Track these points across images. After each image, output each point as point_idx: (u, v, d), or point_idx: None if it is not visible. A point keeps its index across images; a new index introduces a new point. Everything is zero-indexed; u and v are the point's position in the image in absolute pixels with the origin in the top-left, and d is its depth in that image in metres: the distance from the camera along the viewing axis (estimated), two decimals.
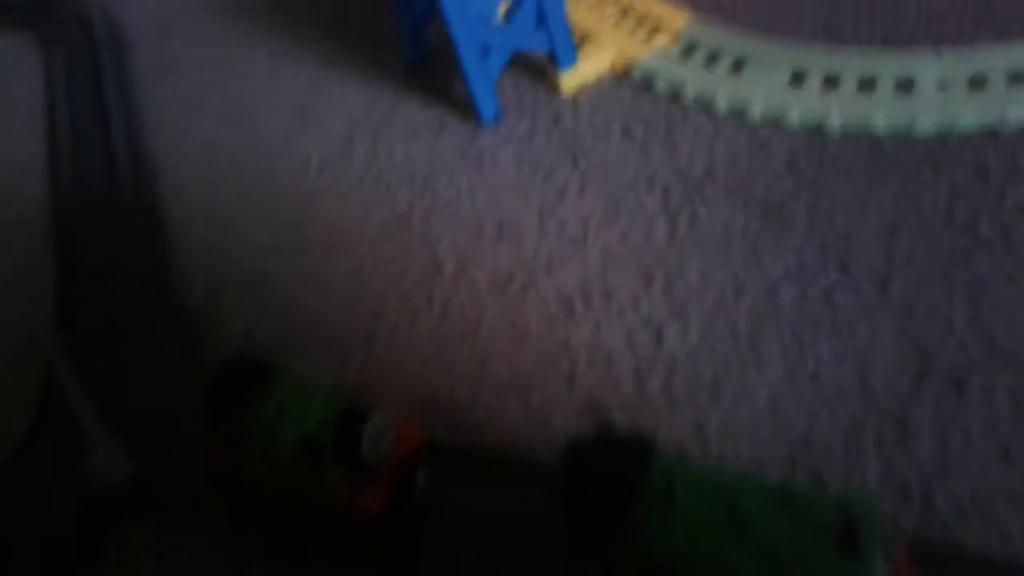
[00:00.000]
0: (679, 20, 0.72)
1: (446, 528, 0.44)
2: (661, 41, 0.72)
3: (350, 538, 0.45)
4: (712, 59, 0.69)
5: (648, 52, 0.71)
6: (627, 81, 0.71)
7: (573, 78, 0.71)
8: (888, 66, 0.62)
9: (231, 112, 0.79)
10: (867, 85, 0.62)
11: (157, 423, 0.50)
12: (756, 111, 0.63)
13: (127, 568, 0.46)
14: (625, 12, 0.76)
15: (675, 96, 0.67)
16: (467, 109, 0.72)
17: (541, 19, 0.70)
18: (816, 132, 0.61)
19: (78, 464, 0.48)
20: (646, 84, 0.69)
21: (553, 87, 0.72)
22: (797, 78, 0.64)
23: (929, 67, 0.61)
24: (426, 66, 0.78)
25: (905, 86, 0.61)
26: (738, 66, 0.67)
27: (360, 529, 0.44)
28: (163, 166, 0.75)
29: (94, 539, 0.47)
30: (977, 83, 0.59)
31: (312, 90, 0.80)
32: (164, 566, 0.46)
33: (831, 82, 0.63)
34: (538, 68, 0.74)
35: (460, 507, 0.45)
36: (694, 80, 0.67)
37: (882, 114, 0.59)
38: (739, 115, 0.64)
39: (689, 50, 0.70)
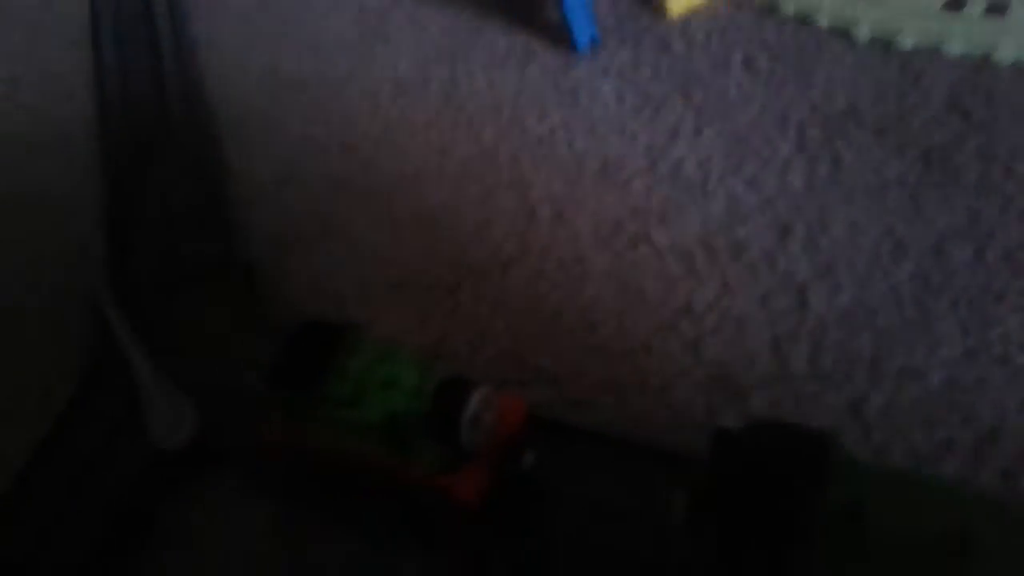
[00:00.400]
0: None
1: (556, 522, 0.37)
2: None
3: (442, 526, 0.38)
4: None
5: None
6: (746, 3, 0.61)
7: (682, 0, 0.62)
8: None
9: (292, 39, 0.71)
10: None
11: (221, 382, 0.43)
12: (907, 40, 0.54)
13: (189, 532, 0.40)
14: None
15: (805, 21, 0.58)
16: (557, 35, 0.63)
17: None
18: (982, 65, 0.52)
19: (138, 422, 0.41)
20: (770, 7, 0.60)
21: (658, 10, 0.63)
22: (954, 3, 0.55)
23: None
24: None
25: None
26: None
27: (454, 518, 0.37)
28: (218, 97, 0.67)
29: (153, 500, 0.41)
30: None
31: (382, 14, 0.71)
32: (228, 530, 0.40)
33: (996, 8, 0.53)
34: None
35: (573, 499, 0.37)
36: (830, 2, 0.57)
37: None
38: (885, 44, 0.55)
39: None
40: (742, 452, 0.31)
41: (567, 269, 0.48)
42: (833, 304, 0.43)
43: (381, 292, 0.50)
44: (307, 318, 0.40)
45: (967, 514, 0.28)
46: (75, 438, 0.44)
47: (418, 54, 0.66)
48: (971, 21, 0.53)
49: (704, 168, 0.51)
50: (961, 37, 0.52)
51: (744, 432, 0.32)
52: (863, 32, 0.55)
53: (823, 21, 0.57)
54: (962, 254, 0.43)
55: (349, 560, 0.38)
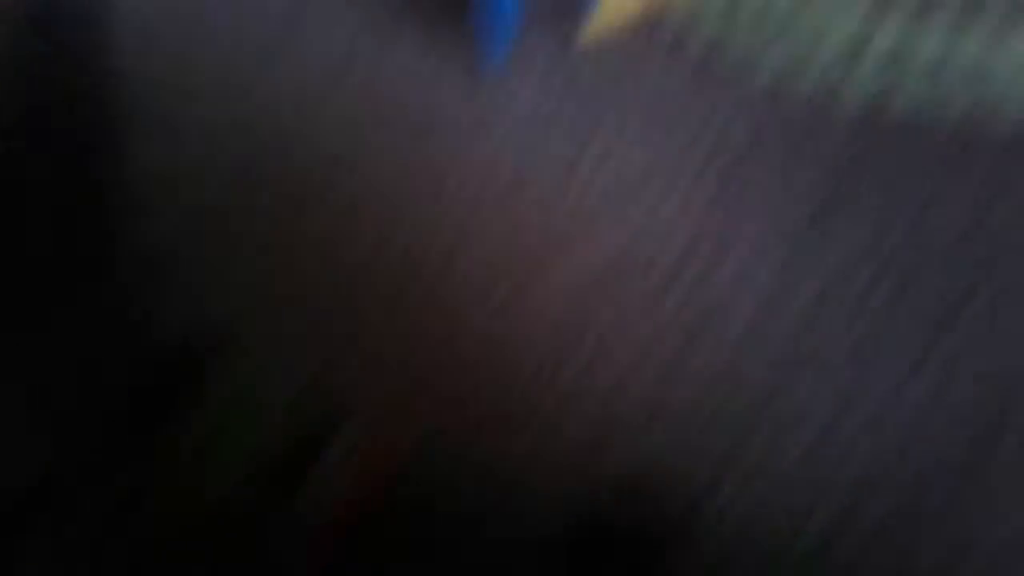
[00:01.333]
0: None
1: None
2: None
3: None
4: None
5: None
6: (661, 29, 0.60)
7: (594, 24, 0.61)
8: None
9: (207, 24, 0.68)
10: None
11: (70, 422, 0.41)
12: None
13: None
14: None
15: (716, 48, 0.58)
16: (469, 54, 0.62)
17: None
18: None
19: None
20: (683, 34, 0.59)
21: (568, 36, 0.62)
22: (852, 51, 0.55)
23: None
24: None
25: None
26: None
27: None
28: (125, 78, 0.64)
29: None
30: None
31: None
32: None
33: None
34: (546, 13, 0.63)
35: (439, 551, 0.37)
36: (741, 33, 0.57)
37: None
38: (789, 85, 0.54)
39: None
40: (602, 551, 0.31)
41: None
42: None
43: (267, 317, 0.48)
44: (166, 351, 0.38)
45: None
46: None
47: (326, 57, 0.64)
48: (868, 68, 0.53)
49: (606, 198, 0.51)
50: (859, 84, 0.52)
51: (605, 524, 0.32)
52: (767, 68, 0.55)
53: (733, 51, 0.57)
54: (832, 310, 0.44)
55: None
